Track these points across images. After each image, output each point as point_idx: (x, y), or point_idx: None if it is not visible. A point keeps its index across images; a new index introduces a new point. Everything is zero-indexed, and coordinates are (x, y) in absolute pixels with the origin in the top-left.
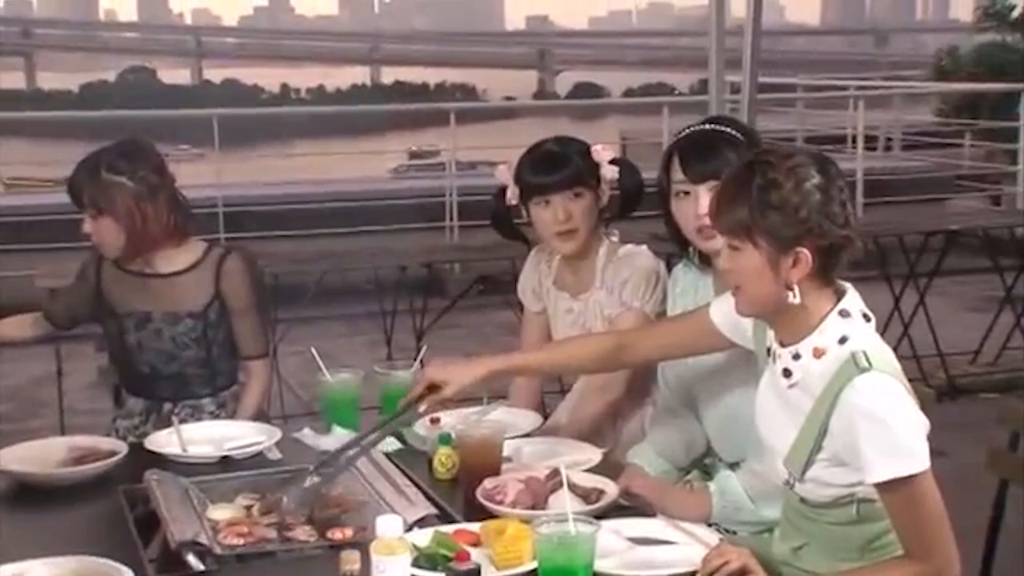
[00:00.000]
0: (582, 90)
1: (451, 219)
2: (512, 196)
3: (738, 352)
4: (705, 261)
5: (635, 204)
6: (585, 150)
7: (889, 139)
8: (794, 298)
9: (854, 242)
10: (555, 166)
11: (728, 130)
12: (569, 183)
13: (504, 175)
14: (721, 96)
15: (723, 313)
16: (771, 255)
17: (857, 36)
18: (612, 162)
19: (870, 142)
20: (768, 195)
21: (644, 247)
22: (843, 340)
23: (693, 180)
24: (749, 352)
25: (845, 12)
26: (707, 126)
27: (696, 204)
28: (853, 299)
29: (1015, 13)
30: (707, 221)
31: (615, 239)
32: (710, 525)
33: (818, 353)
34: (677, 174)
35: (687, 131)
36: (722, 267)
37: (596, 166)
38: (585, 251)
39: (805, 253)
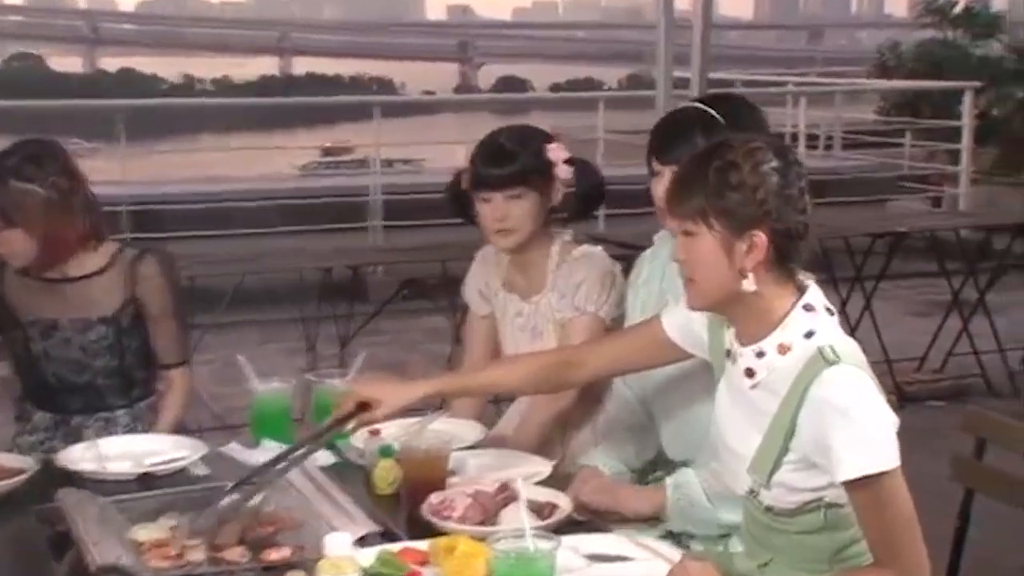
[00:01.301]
0: (506, 84)
1: (375, 219)
2: (466, 181)
3: (697, 361)
4: None
5: (593, 206)
6: (539, 148)
7: (830, 138)
8: (749, 285)
9: (810, 232)
10: (500, 162)
11: (709, 111)
12: (511, 182)
13: (463, 157)
14: (669, 92)
15: (676, 323)
16: (725, 239)
17: (791, 31)
18: (568, 162)
19: (810, 141)
20: (726, 176)
21: (599, 248)
22: (809, 335)
23: (660, 161)
24: (707, 361)
25: (778, 7)
26: (690, 105)
27: (660, 185)
28: (816, 294)
29: (956, 9)
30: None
31: (568, 239)
32: (671, 537)
33: (783, 349)
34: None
35: (671, 111)
36: (675, 258)
37: (549, 165)
38: (534, 251)
39: (760, 237)
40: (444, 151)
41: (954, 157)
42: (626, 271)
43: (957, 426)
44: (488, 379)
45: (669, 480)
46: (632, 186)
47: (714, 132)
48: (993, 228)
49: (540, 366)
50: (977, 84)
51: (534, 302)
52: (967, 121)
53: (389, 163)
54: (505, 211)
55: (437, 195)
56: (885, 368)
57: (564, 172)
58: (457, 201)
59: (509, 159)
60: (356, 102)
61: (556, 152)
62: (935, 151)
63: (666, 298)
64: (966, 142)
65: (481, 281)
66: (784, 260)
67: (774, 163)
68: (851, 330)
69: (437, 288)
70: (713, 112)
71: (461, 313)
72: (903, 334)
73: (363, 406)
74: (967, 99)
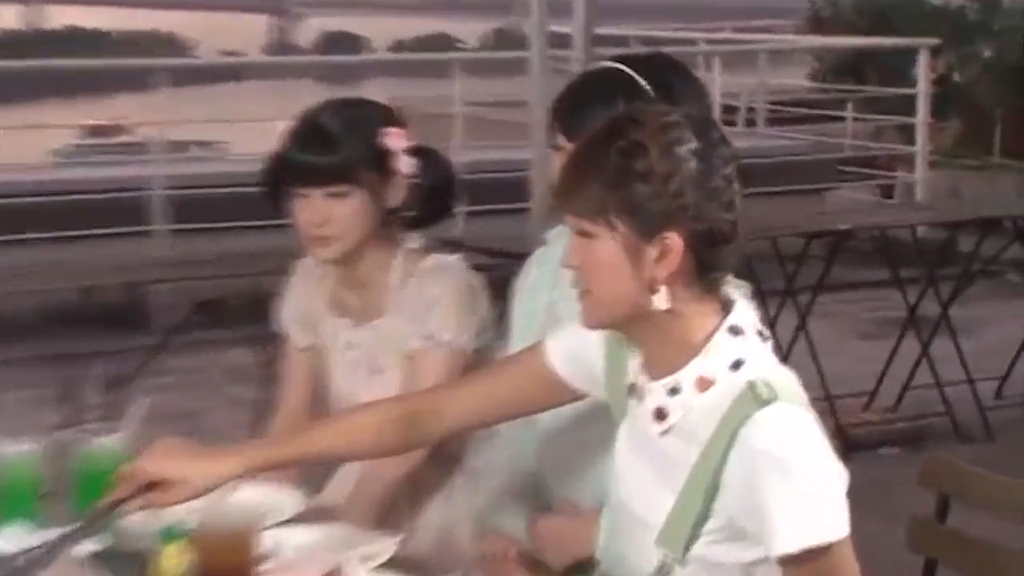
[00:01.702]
0: (333, 42)
1: (159, 222)
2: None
3: (592, 401)
4: None
5: (443, 207)
6: (372, 132)
7: (751, 110)
8: (660, 302)
9: (739, 232)
10: (319, 149)
11: (631, 73)
12: (333, 177)
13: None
14: (545, 52)
15: (563, 352)
16: (630, 242)
17: None
18: (412, 152)
19: (727, 114)
20: (631, 161)
21: (456, 258)
22: (736, 365)
23: (568, 134)
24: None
25: None
26: (609, 66)
27: (561, 159)
28: (744, 312)
29: None
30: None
31: (415, 246)
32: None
33: (704, 384)
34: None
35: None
36: (567, 264)
37: (385, 155)
38: (370, 263)
39: (675, 240)
40: (253, 131)
41: (908, 134)
42: (496, 285)
43: (915, 479)
44: (316, 446)
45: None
46: (499, 174)
47: (636, 100)
48: (957, 225)
49: (383, 423)
50: (934, 41)
51: (372, 329)
52: (923, 88)
53: (179, 147)
54: (325, 213)
55: (244, 189)
56: (825, 406)
57: (406, 165)
58: (275, 197)
59: (331, 146)
60: (133, 67)
61: (395, 139)
62: (884, 127)
63: (557, 310)
64: (922, 116)
65: (302, 303)
66: (706, 269)
67: (693, 144)
68: (782, 357)
69: (242, 312)
70: (637, 77)
71: (274, 345)
72: (847, 361)
73: (152, 486)
74: (922, 60)
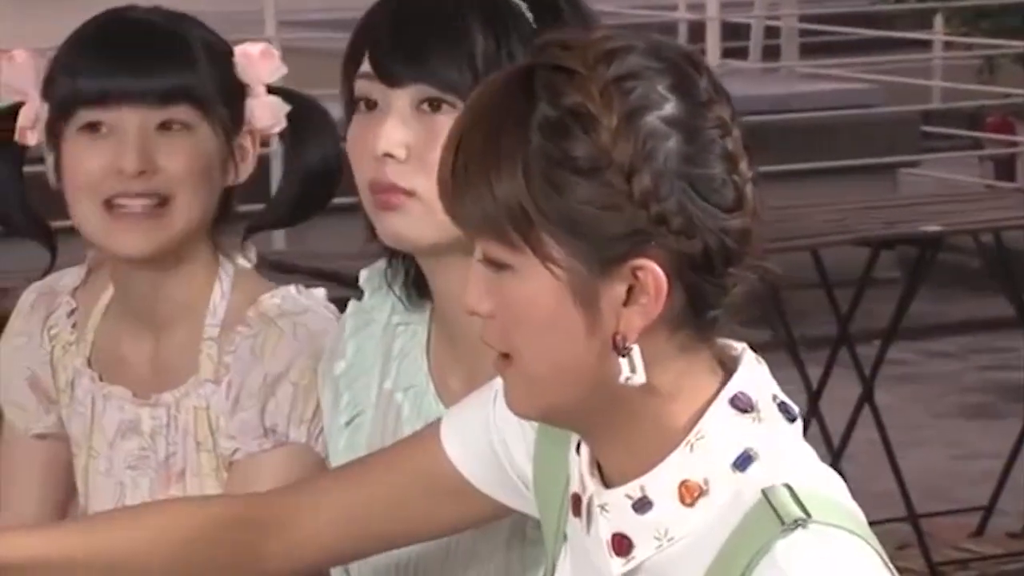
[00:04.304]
0: None
1: None
2: (34, 121)
3: (511, 521)
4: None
5: (322, 193)
6: (218, 42)
7: (773, 30)
8: (631, 373)
9: (751, 247)
10: (139, 55)
11: None
12: (167, 96)
13: (25, 74)
14: None
15: (466, 439)
16: (577, 276)
17: None
18: (274, 91)
19: (732, 39)
20: (566, 142)
21: (320, 294)
22: (743, 462)
23: (388, 81)
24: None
25: None
26: None
27: (381, 128)
28: (755, 373)
29: None
30: (395, 178)
31: (248, 266)
32: None
33: (691, 493)
34: (363, 67)
35: None
36: (468, 306)
37: (239, 89)
38: (182, 283)
39: (651, 268)
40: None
41: None
42: None
43: None
44: (87, 546)
45: None
46: None
47: (510, 29)
48: None
49: (205, 523)
50: None
51: (166, 403)
52: None
53: None
54: (147, 151)
55: None
56: (906, 530)
57: (266, 111)
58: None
59: (161, 42)
60: None
61: (255, 62)
62: (997, 59)
63: (400, 410)
64: None
65: (33, 357)
66: (698, 309)
67: (670, 104)
68: (829, 446)
69: None
70: None
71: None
72: (941, 455)
73: None
74: None
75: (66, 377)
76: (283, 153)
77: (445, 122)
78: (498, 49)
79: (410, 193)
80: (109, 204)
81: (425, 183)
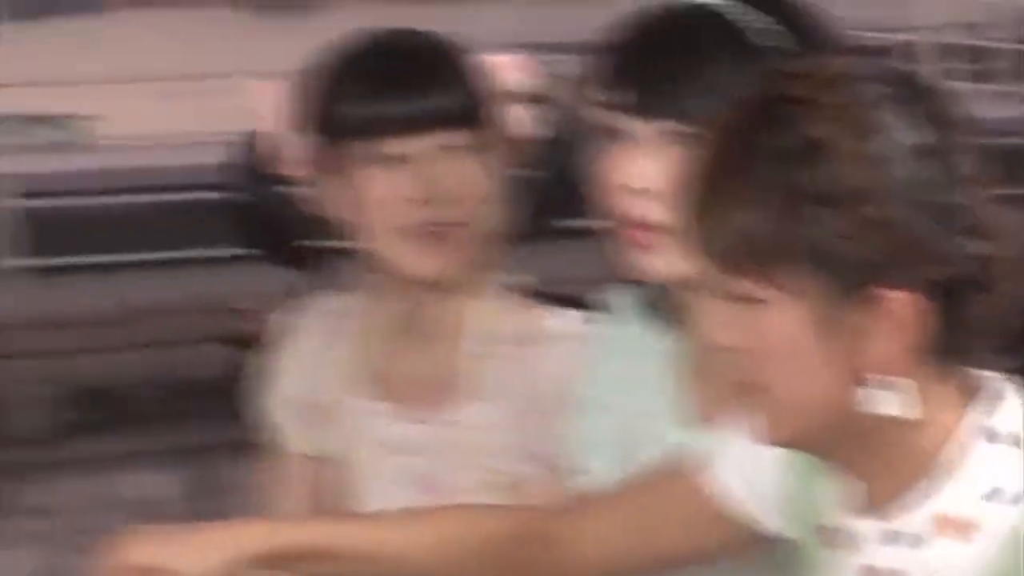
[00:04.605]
0: None
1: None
2: (296, 150)
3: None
4: (665, 298)
5: (573, 199)
6: (469, 59)
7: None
8: (875, 399)
9: (1002, 274)
10: (416, 81)
11: (722, 10)
12: (447, 118)
13: (267, 100)
14: None
15: (723, 465)
16: (823, 307)
17: None
18: (535, 100)
19: (974, 60)
20: (808, 171)
21: (579, 316)
22: (997, 494)
23: (633, 112)
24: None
25: None
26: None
27: (633, 162)
28: (1006, 400)
29: None
30: (646, 212)
31: (509, 284)
32: None
33: (942, 525)
34: (609, 94)
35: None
36: (711, 341)
37: (495, 98)
38: (449, 301)
39: (897, 297)
40: (138, 97)
41: None
42: None
43: None
44: (372, 541)
45: None
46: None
47: (755, 57)
48: None
49: (488, 534)
50: None
51: (436, 422)
52: None
53: (25, 124)
54: (435, 177)
55: (135, 194)
56: None
57: (525, 121)
58: (258, 208)
59: (431, 71)
60: None
61: (508, 69)
62: None
63: (658, 425)
64: None
65: (306, 377)
66: (947, 339)
67: (908, 131)
68: None
69: (154, 409)
70: (730, 14)
71: (265, 454)
72: None
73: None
74: None
75: (335, 395)
76: (536, 161)
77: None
78: (743, 79)
79: (662, 229)
80: (405, 231)
81: (676, 218)
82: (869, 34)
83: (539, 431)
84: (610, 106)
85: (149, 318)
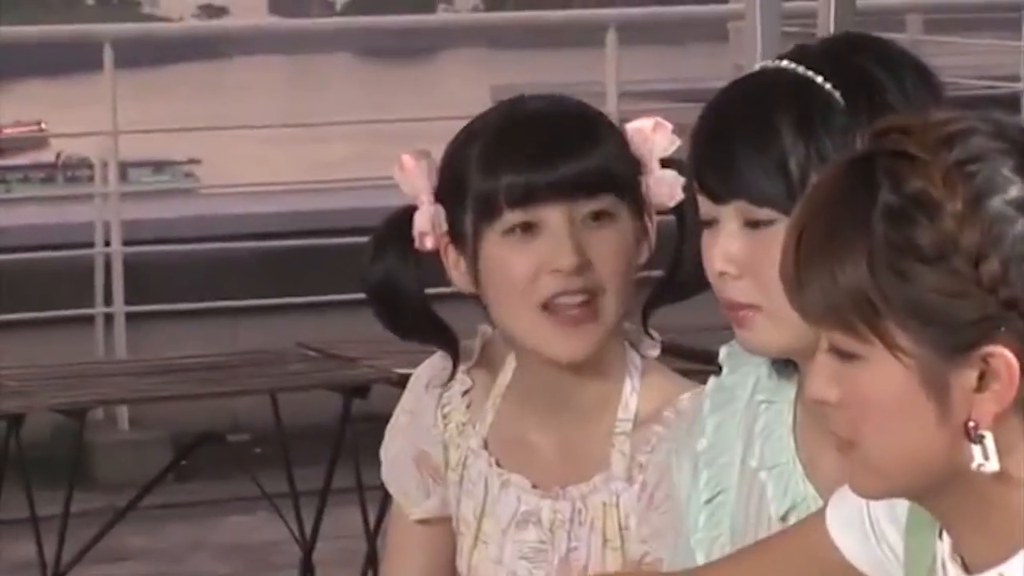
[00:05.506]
0: None
1: (108, 302)
2: (436, 225)
3: None
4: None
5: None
6: (609, 124)
7: None
8: (984, 460)
9: None
10: (559, 147)
11: (802, 71)
12: (592, 185)
13: (417, 179)
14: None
15: (845, 522)
16: (927, 365)
17: None
18: (666, 164)
19: None
20: (913, 229)
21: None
22: None
23: (708, 196)
24: None
25: None
26: (772, 67)
27: (715, 247)
28: None
29: None
30: (733, 294)
31: (653, 351)
32: None
33: None
34: (690, 179)
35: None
36: (814, 396)
37: (636, 165)
38: (592, 371)
39: (1003, 355)
40: (252, 144)
41: None
42: None
43: None
44: None
45: None
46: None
47: (819, 125)
48: None
49: None
50: None
51: (572, 496)
52: None
53: (133, 171)
54: (581, 247)
55: (243, 242)
56: None
57: (664, 186)
58: (400, 294)
59: (580, 139)
60: (56, 37)
61: (650, 136)
62: None
63: (764, 489)
64: None
65: (420, 436)
66: None
67: (1017, 188)
68: None
69: (265, 456)
70: (819, 78)
71: (380, 511)
72: None
73: None
74: None
75: (458, 457)
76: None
77: (770, 233)
78: (808, 151)
79: (754, 307)
80: (546, 306)
81: (763, 297)
82: (974, 82)
83: (664, 511)
84: (694, 191)
85: (256, 364)
